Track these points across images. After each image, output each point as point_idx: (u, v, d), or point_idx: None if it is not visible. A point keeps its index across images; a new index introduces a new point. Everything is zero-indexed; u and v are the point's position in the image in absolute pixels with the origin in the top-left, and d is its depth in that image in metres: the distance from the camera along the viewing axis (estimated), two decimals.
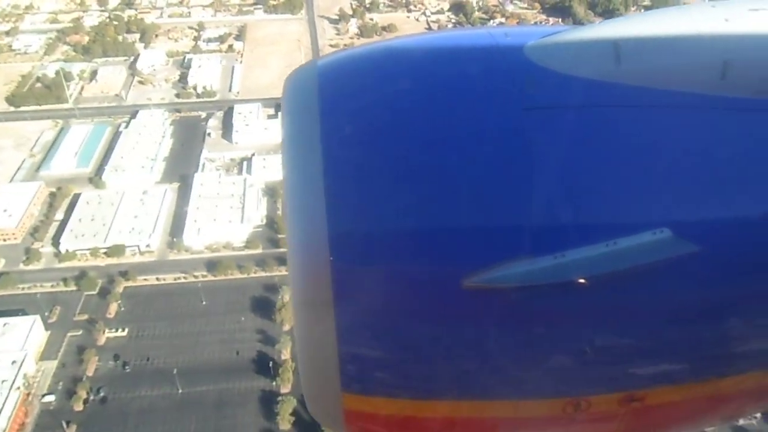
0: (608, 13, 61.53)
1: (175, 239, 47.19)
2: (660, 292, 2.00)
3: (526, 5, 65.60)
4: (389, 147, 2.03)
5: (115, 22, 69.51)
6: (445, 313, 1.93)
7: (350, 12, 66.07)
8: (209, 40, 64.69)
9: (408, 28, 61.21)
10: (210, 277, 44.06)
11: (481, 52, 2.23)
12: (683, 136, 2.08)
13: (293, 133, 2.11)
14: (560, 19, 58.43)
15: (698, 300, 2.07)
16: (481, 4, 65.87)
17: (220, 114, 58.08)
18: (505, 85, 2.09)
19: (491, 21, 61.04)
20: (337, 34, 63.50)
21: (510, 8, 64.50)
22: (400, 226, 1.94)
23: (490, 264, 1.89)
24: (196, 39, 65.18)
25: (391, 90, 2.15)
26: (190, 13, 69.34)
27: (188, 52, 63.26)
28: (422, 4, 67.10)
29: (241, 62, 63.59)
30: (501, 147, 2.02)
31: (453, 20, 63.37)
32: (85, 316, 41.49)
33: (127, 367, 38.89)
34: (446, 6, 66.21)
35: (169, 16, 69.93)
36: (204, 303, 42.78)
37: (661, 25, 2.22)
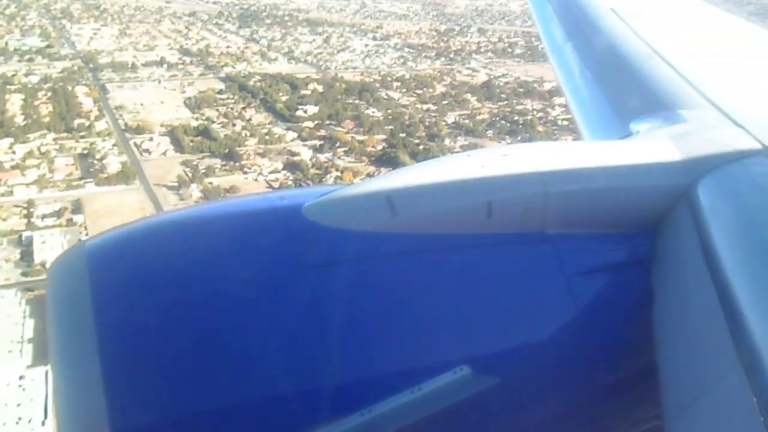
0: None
1: None
2: (468, 428, 2.18)
3: (353, 159, 74.21)
4: (171, 331, 1.98)
5: None
6: None
7: (187, 178, 68.18)
8: (44, 216, 61.15)
9: (249, 187, 65.28)
10: None
11: (258, 218, 2.31)
12: (463, 274, 2.29)
13: (62, 327, 1.98)
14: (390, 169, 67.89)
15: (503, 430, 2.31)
16: (314, 161, 72.91)
17: None
18: (287, 247, 2.17)
19: (327, 176, 68.10)
20: (181, 200, 64.94)
21: (341, 163, 72.52)
22: (188, 411, 1.89)
23: None
24: (27, 216, 61.14)
25: (170, 267, 2.12)
26: (12, 191, 64.89)
27: (23, 230, 59.03)
28: (257, 165, 71.94)
29: (86, 234, 60.60)
30: (289, 312, 2.05)
31: (290, 178, 69.12)
32: None
33: None
34: (280, 165, 71.85)
35: None
36: None
37: (429, 175, 2.45)
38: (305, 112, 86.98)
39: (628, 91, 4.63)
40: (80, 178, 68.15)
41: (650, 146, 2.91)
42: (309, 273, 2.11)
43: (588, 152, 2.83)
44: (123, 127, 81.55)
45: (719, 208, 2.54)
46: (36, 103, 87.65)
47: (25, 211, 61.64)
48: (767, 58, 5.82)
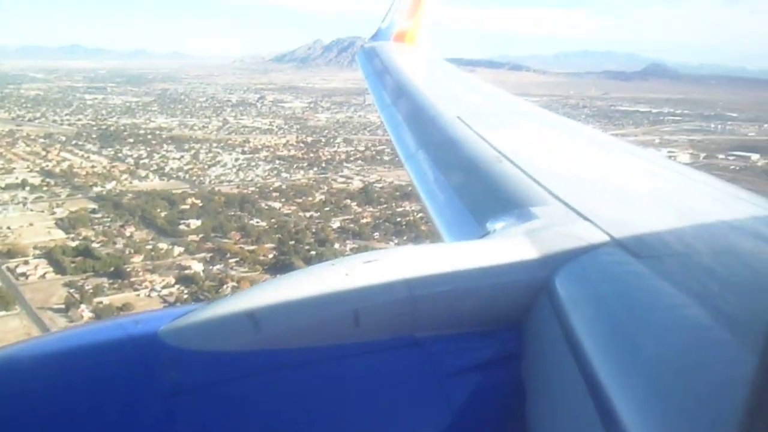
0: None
1: None
2: None
3: (247, 269, 73.70)
4: None
5: None
6: None
7: (74, 299, 64.78)
8: None
9: (143, 304, 62.88)
10: None
11: (112, 346, 2.19)
12: (334, 386, 2.27)
13: None
14: None
15: None
16: (207, 273, 71.66)
17: None
18: (143, 375, 2.08)
19: (223, 286, 67.12)
20: (71, 321, 61.37)
21: (234, 273, 71.84)
22: None
23: None
24: None
25: (12, 405, 1.97)
26: None
27: None
28: (147, 281, 69.63)
29: None
30: None
31: (185, 292, 67.41)
32: None
33: None
34: (172, 280, 69.94)
35: None
36: None
37: (292, 289, 2.45)
38: (188, 226, 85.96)
39: (481, 192, 4.85)
40: None
41: (507, 244, 3.05)
42: (167, 401, 2.04)
43: (450, 253, 2.97)
44: None
45: (577, 299, 2.62)
46: None
47: None
48: (604, 155, 6.31)
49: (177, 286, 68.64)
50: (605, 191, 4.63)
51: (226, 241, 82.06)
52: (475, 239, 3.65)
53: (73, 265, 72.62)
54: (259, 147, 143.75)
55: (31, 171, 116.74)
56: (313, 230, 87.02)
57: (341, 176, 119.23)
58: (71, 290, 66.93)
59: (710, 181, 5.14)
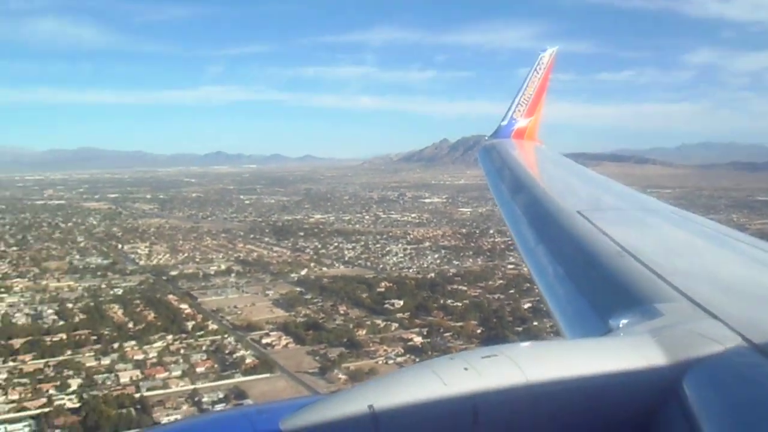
0: None
1: None
2: None
3: (463, 342, 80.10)
4: None
5: None
6: None
7: (326, 365, 72.85)
8: (214, 403, 64.49)
9: (385, 369, 69.62)
10: None
11: None
12: None
13: None
14: None
15: None
16: (431, 344, 78.60)
17: None
18: None
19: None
20: (330, 383, 69.02)
21: (451, 345, 78.45)
22: None
23: None
24: (196, 404, 64.47)
25: None
26: (167, 384, 68.51)
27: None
28: (381, 350, 77.04)
29: None
30: None
31: (417, 360, 74.37)
32: None
33: None
34: (401, 350, 77.12)
35: None
36: None
37: (412, 386, 2.42)
38: (392, 305, 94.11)
39: (602, 288, 4.74)
40: (223, 370, 72.24)
41: (632, 342, 2.96)
42: None
43: (572, 351, 2.93)
44: (231, 327, 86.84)
45: (709, 404, 2.49)
46: (136, 310, 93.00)
47: (190, 401, 65.12)
48: (732, 250, 6.00)
49: (408, 355, 75.64)
50: (734, 288, 4.40)
51: (431, 318, 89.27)
52: (597, 336, 3.61)
53: (308, 336, 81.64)
54: (420, 238, 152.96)
55: (228, 260, 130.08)
56: (508, 309, 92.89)
57: (509, 263, 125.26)
58: (316, 357, 75.49)
59: None
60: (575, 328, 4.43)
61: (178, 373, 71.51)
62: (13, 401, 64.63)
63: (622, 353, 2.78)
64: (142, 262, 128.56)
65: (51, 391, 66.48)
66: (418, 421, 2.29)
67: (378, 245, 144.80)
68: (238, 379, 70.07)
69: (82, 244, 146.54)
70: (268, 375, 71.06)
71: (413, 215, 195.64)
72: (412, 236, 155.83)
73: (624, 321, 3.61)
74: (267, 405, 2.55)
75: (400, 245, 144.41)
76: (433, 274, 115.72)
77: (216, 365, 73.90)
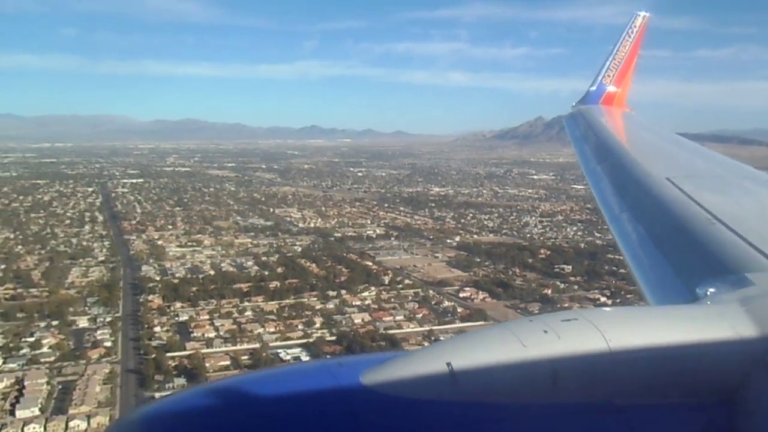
0: None
1: None
2: None
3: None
4: None
5: None
6: None
7: (536, 312, 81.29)
8: None
9: None
10: None
11: (318, 386, 2.36)
12: None
13: None
14: None
15: None
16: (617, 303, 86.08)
17: None
18: (346, 416, 2.23)
19: None
20: None
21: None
22: None
23: None
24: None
25: None
26: (399, 325, 78.15)
27: None
28: (572, 307, 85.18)
29: None
30: None
31: None
32: None
33: None
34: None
35: None
36: None
37: (491, 346, 2.45)
38: (562, 270, 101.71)
39: (690, 255, 4.70)
40: (442, 316, 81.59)
41: (720, 311, 2.89)
42: None
43: (655, 317, 2.90)
44: (423, 282, 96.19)
45: None
46: (326, 265, 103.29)
47: (428, 339, 74.74)
48: None
49: None
50: None
51: (604, 282, 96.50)
52: (682, 304, 3.61)
53: (501, 292, 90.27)
54: (550, 212, 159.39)
55: (378, 225, 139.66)
56: None
57: None
58: (517, 310, 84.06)
59: None
60: (659, 296, 4.44)
61: (401, 317, 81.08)
62: (273, 332, 75.35)
63: (708, 321, 2.77)
64: (301, 225, 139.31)
65: (300, 327, 77.00)
66: (495, 381, 2.34)
67: (513, 217, 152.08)
68: (459, 324, 79.15)
69: (236, 207, 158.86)
70: (482, 322, 79.85)
71: (530, 191, 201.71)
72: (541, 210, 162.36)
73: (711, 289, 3.58)
74: (348, 358, 2.68)
75: (533, 218, 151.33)
76: (583, 244, 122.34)
77: (431, 313, 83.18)
